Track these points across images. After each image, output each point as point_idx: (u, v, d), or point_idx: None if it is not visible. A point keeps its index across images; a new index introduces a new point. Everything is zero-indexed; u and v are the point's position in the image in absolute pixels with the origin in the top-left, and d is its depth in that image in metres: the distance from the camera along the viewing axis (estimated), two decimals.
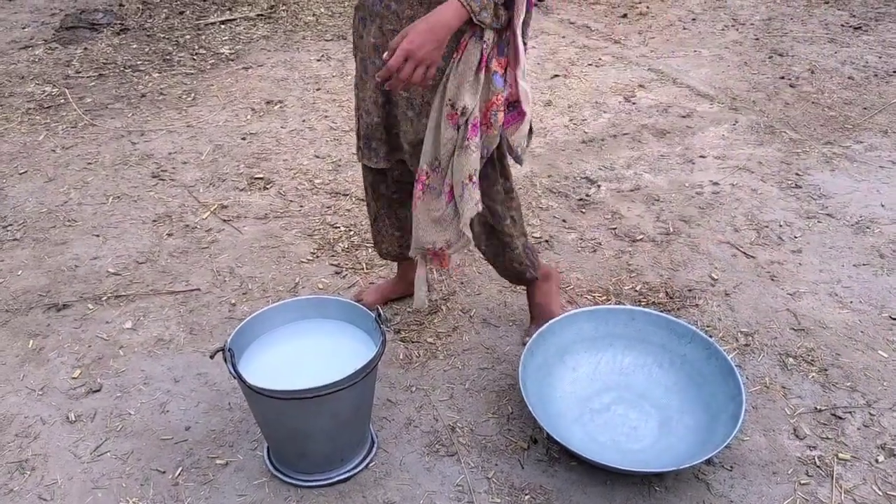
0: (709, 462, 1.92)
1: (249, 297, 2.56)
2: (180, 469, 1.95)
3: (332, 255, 2.79)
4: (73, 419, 2.11)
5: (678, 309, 2.46)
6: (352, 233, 2.90)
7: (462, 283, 2.60)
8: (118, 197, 3.18)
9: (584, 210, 3.00)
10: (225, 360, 1.76)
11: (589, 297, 2.52)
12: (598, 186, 3.15)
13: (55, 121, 3.86)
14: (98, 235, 2.93)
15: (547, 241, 2.81)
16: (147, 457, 1.99)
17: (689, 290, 2.54)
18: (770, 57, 4.37)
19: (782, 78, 4.10)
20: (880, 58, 4.26)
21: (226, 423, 2.10)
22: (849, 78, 4.05)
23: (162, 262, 2.77)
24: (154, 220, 3.02)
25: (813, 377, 2.19)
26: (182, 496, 1.88)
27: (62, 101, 4.08)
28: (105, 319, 2.48)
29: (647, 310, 2.23)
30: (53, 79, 4.34)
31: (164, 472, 1.95)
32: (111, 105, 4.02)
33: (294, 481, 1.89)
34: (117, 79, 4.33)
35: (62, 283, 2.66)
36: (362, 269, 2.70)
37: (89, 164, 3.44)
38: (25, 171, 3.38)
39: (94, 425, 2.09)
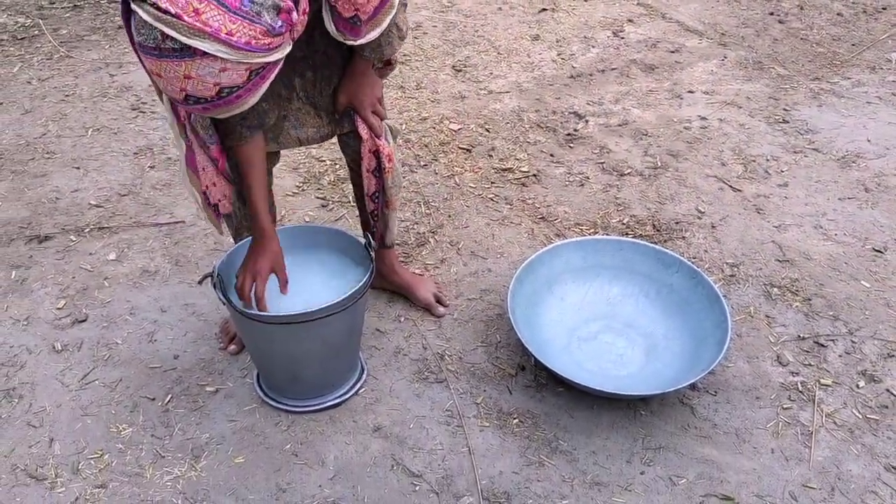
0: (693, 387, 1.96)
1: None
2: (170, 396, 1.96)
3: (318, 189, 2.76)
4: (60, 349, 2.10)
5: (665, 241, 2.46)
6: (337, 166, 2.86)
7: (450, 216, 2.59)
8: (98, 129, 3.11)
9: (571, 145, 2.98)
10: (213, 286, 1.75)
11: (576, 230, 2.52)
12: (586, 121, 3.13)
13: (30, 52, 3.75)
14: (78, 168, 2.87)
15: (535, 175, 2.79)
16: (136, 385, 1.99)
17: (676, 223, 2.55)
18: None
19: (771, 14, 4.05)
20: None
21: (214, 351, 2.10)
22: (838, 14, 4.01)
23: (145, 195, 2.72)
24: (135, 153, 2.96)
25: (797, 307, 2.21)
26: (172, 422, 1.89)
27: (36, 32, 3.95)
28: (88, 251, 2.45)
29: (634, 240, 2.24)
30: (27, 10, 4.20)
31: (153, 399, 1.95)
32: (87, 37, 3.91)
33: (285, 406, 1.90)
34: (93, 10, 4.19)
35: (43, 216, 2.61)
36: (348, 202, 2.67)
37: (67, 96, 3.36)
38: (1, 104, 3.29)
39: (80, 354, 2.08)
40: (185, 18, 1.14)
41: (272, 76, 1.31)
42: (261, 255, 1.75)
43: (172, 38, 1.17)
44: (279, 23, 1.23)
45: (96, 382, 2.00)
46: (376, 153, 1.87)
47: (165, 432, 1.87)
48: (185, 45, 1.17)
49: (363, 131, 1.83)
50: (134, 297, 2.27)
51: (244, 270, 1.76)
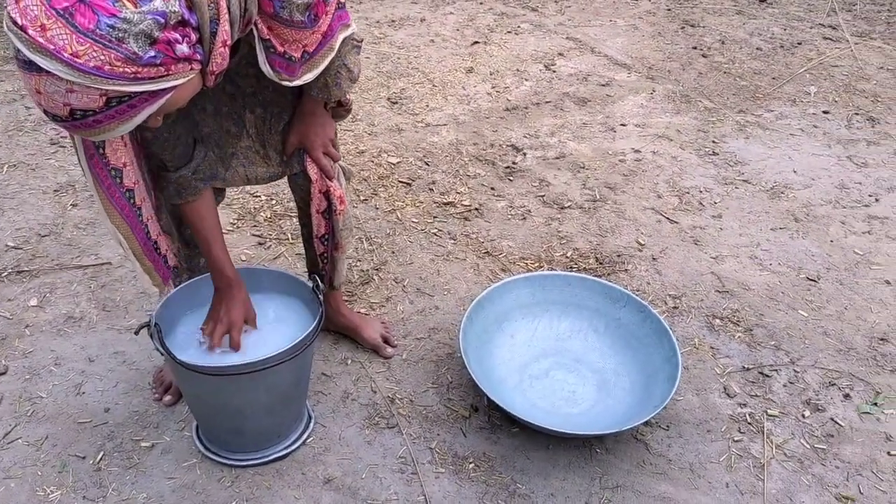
0: (646, 423, 1.95)
1: None
2: (102, 454, 1.83)
3: (254, 226, 2.67)
4: None
5: (608, 274, 2.47)
6: (273, 202, 2.78)
7: (393, 252, 2.54)
8: (14, 165, 2.94)
9: (511, 178, 2.98)
10: (151, 337, 1.64)
11: (521, 264, 2.51)
12: (524, 154, 3.14)
13: None
14: None
15: (477, 209, 2.77)
16: (64, 442, 1.85)
17: (618, 256, 2.57)
18: (682, 27, 4.46)
19: (695, 48, 4.19)
20: (785, 30, 4.42)
21: (148, 403, 1.97)
22: (757, 49, 4.18)
23: (67, 235, 2.57)
24: (56, 190, 2.80)
25: (739, 337, 2.25)
26: (105, 482, 1.76)
27: None
28: (7, 297, 2.29)
29: (582, 275, 2.24)
30: None
31: (83, 458, 1.81)
32: (0, 67, 3.71)
33: (228, 461, 1.79)
34: (5, 39, 3.98)
35: None
36: (287, 239, 2.59)
37: None
38: None
39: (1, 410, 1.93)
40: (30, 32, 1.07)
41: (150, 108, 1.19)
42: (233, 306, 1.69)
43: (20, 50, 1.11)
44: (150, 52, 1.12)
45: (19, 441, 1.85)
46: (327, 194, 1.81)
47: (98, 493, 1.74)
48: (29, 59, 1.10)
49: (313, 172, 1.77)
50: (58, 346, 2.13)
51: (214, 320, 1.69)
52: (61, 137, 3.12)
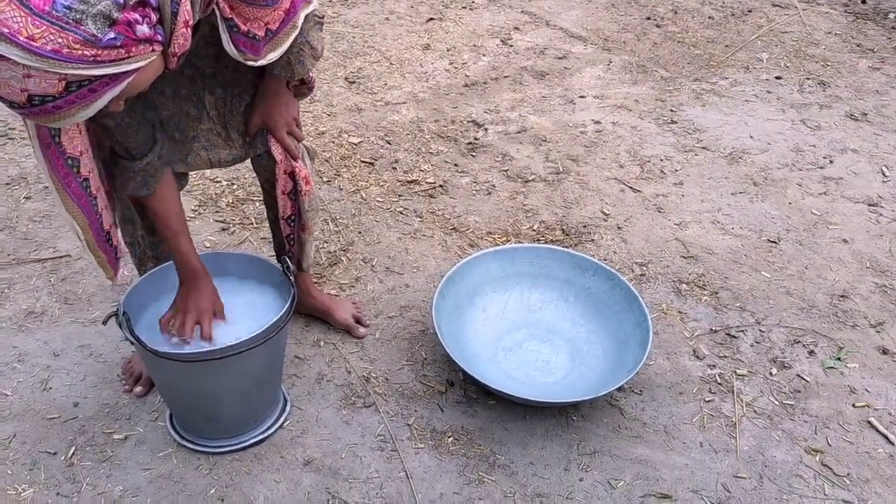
0: (620, 388, 1.98)
1: (128, 261, 2.35)
2: (73, 448, 1.79)
3: (217, 211, 2.62)
4: None
5: (575, 245, 2.49)
6: (235, 186, 2.73)
7: (360, 232, 2.52)
8: None
9: (474, 154, 2.98)
10: (120, 326, 1.61)
11: (489, 239, 2.51)
12: (486, 129, 3.13)
13: None
14: None
15: (441, 186, 2.76)
16: (33, 439, 1.81)
17: (584, 227, 2.59)
18: None
19: (648, 18, 4.22)
20: None
21: (118, 395, 1.94)
22: (709, 17, 4.22)
23: (22, 229, 2.50)
24: (7, 184, 2.72)
25: (705, 300, 2.29)
26: (79, 477, 1.73)
27: None
28: None
29: (551, 246, 2.25)
30: None
31: (55, 454, 1.78)
32: None
33: (204, 448, 1.77)
34: None
35: None
36: (251, 224, 2.55)
37: None
38: None
39: None
40: None
41: (112, 92, 1.15)
42: (201, 296, 1.66)
43: None
44: (110, 34, 1.08)
45: None
46: (292, 175, 1.78)
47: (72, 489, 1.70)
48: None
49: (277, 153, 1.74)
50: (21, 342, 2.07)
51: (182, 310, 1.66)
52: (9, 129, 3.02)
